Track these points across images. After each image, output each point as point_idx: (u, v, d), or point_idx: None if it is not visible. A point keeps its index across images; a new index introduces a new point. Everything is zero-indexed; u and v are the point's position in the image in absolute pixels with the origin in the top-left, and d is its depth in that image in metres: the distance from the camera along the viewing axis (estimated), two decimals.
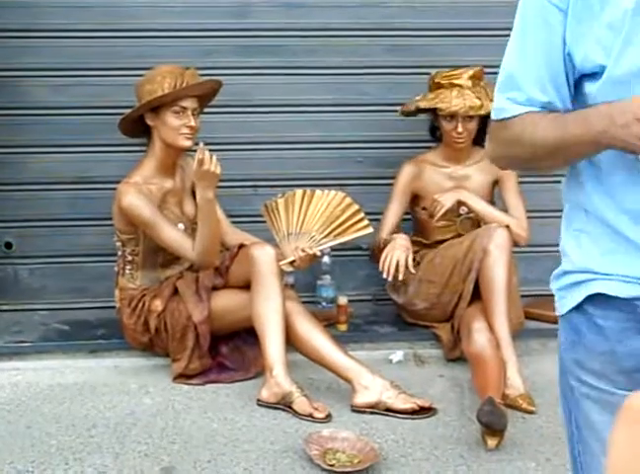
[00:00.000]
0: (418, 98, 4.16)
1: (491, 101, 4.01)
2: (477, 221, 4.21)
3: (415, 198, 4.30)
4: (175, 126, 3.80)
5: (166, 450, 3.29)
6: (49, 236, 4.48)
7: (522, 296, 4.21)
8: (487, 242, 3.89)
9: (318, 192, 4.02)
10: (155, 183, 3.88)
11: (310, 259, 3.92)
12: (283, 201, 4.03)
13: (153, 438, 3.38)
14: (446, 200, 4.13)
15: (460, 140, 4.12)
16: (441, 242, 4.20)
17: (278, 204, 4.04)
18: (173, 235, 3.80)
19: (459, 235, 4.17)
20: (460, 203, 4.15)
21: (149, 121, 3.83)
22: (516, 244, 4.03)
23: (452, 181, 4.23)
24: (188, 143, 3.83)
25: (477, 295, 3.95)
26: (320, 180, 4.27)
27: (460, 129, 4.08)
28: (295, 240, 3.96)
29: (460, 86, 4.06)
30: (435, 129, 4.29)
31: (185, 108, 3.79)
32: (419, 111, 4.18)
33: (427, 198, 4.23)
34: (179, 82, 3.75)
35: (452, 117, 4.07)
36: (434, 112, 4.15)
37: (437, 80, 4.12)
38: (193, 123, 3.80)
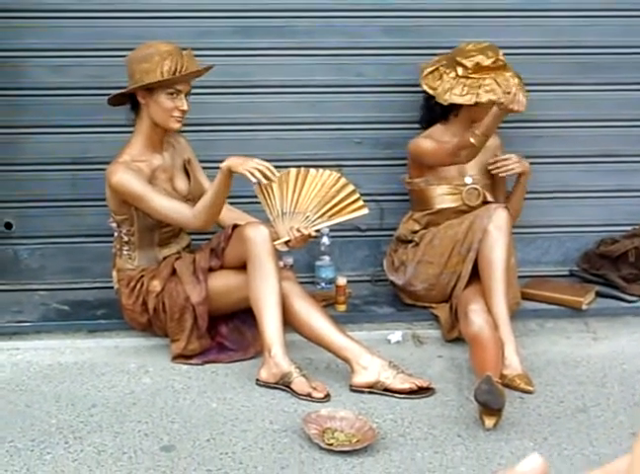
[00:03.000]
0: (450, 82, 4.13)
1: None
2: (483, 193, 4.23)
3: (416, 170, 4.28)
4: (167, 108, 3.77)
5: (165, 430, 3.31)
6: (49, 216, 4.48)
7: (520, 277, 4.22)
8: (487, 223, 3.90)
9: (312, 171, 3.91)
10: (143, 160, 3.85)
11: (305, 239, 3.86)
12: (277, 180, 3.98)
13: (153, 418, 3.40)
14: (517, 165, 4.21)
15: None
16: (444, 211, 4.22)
17: (271, 183, 3.98)
18: (166, 204, 3.76)
19: (459, 211, 4.20)
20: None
21: (140, 99, 3.79)
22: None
23: None
24: (177, 126, 3.81)
25: (476, 276, 3.96)
26: (318, 161, 4.25)
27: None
28: (290, 220, 3.88)
29: (504, 67, 4.12)
30: (433, 108, 4.26)
31: (179, 90, 3.76)
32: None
33: (430, 173, 4.23)
34: (179, 66, 3.70)
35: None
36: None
37: (482, 63, 4.08)
38: (185, 107, 3.77)
